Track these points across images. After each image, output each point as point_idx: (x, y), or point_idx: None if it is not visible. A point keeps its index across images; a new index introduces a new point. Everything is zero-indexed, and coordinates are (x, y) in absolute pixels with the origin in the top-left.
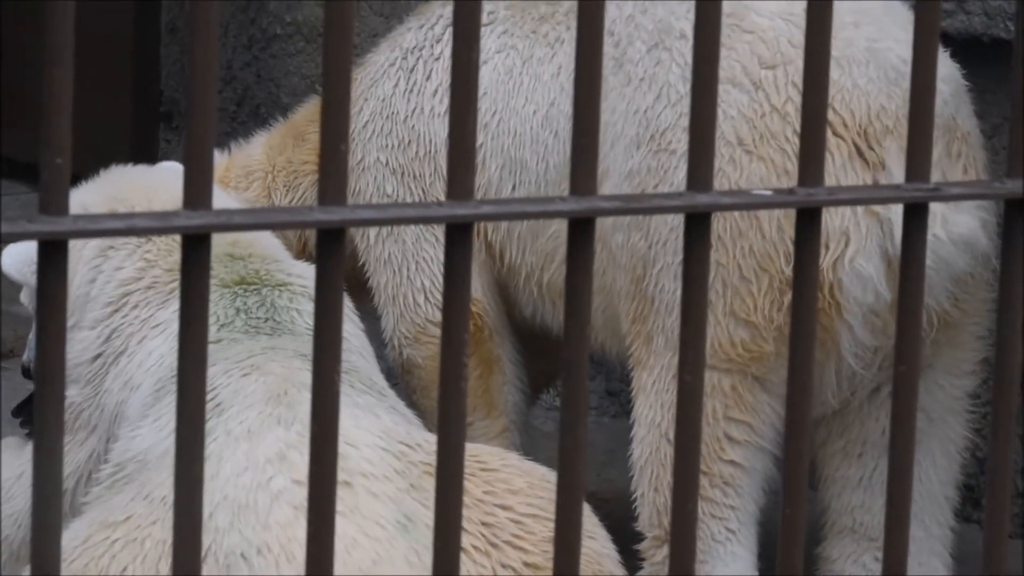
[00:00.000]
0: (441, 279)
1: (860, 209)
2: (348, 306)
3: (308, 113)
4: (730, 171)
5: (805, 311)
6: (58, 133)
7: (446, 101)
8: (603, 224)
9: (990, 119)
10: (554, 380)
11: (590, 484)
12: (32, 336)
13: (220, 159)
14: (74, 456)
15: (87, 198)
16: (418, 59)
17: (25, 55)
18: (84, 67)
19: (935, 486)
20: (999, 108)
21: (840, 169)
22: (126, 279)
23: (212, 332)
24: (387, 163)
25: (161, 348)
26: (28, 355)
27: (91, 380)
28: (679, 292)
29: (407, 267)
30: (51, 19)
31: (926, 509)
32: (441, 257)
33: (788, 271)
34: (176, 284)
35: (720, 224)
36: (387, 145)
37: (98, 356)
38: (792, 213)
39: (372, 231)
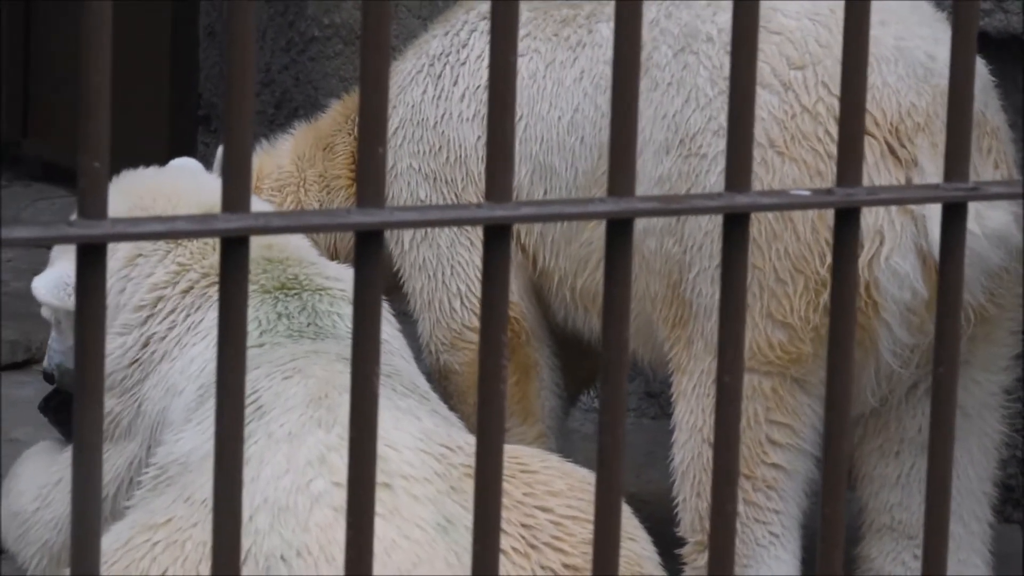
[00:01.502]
0: (476, 283)
1: (894, 207)
2: (386, 309)
3: (333, 121)
4: (762, 173)
5: (845, 311)
6: (96, 137)
7: (474, 106)
8: (635, 229)
9: None
10: (591, 383)
11: (630, 486)
12: (51, 342)
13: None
14: (113, 463)
15: None
16: (445, 65)
17: (57, 59)
18: (122, 71)
19: (973, 482)
20: None
21: (873, 168)
22: (159, 283)
23: (255, 337)
24: (419, 169)
25: (205, 354)
26: (48, 362)
27: (129, 387)
28: (717, 296)
29: (442, 272)
30: (88, 22)
31: (964, 505)
32: (476, 261)
33: (823, 272)
34: (214, 288)
35: (755, 227)
36: (418, 151)
37: (135, 362)
38: (826, 215)
39: (406, 236)
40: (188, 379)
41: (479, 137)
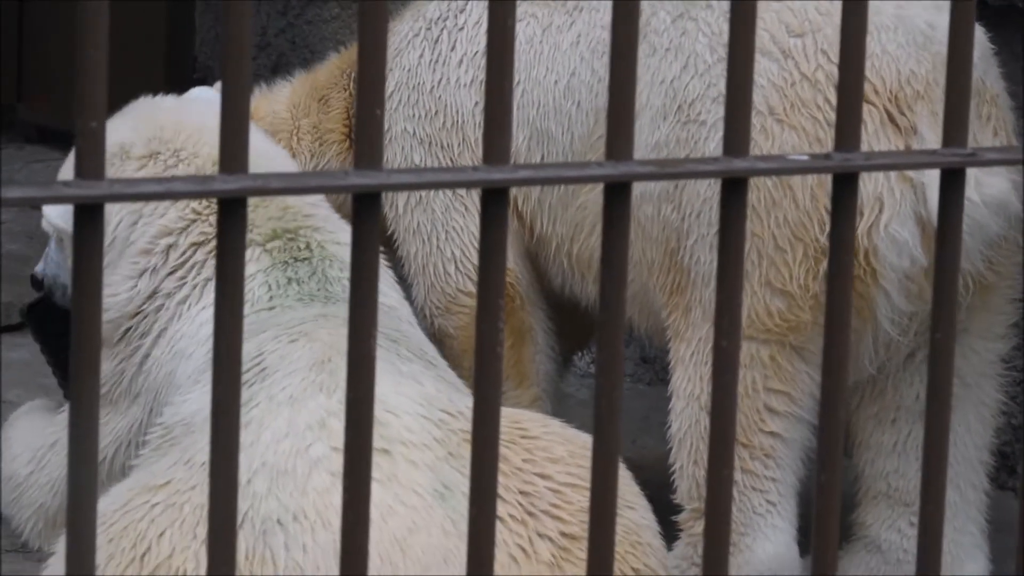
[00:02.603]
0: (471, 248)
1: (893, 174)
2: (392, 276)
3: (330, 74)
4: (761, 141)
5: (841, 276)
6: (94, 98)
7: (471, 71)
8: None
9: None
10: (586, 346)
11: (625, 451)
12: (49, 251)
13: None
14: (113, 426)
15: (124, 136)
16: (442, 30)
17: (53, 22)
18: (119, 33)
19: (970, 450)
20: None
21: (872, 136)
22: (169, 227)
23: (264, 300)
24: (414, 133)
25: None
26: (43, 265)
27: (132, 339)
28: (715, 263)
29: (436, 236)
30: None
31: (961, 473)
32: (470, 227)
33: (823, 240)
34: None
35: (754, 195)
36: (414, 115)
37: (139, 313)
38: (825, 182)
39: (401, 200)
40: (197, 343)
41: (476, 103)
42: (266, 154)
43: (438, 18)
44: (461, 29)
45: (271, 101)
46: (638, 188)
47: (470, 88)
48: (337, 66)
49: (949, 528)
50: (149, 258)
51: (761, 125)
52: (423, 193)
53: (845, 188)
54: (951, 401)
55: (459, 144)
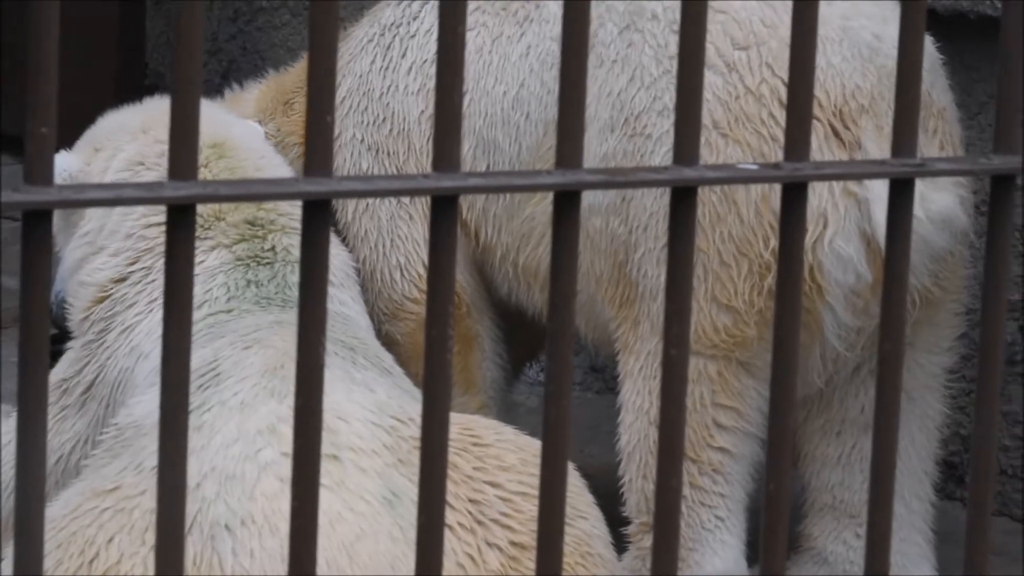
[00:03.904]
0: (415, 256)
1: (838, 190)
2: (357, 288)
3: (296, 78)
4: (706, 154)
5: (791, 287)
6: (44, 103)
7: (420, 79)
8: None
9: (977, 96)
10: (536, 355)
11: (573, 460)
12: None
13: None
14: (72, 422)
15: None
16: (395, 36)
17: (4, 28)
18: (70, 39)
19: (915, 462)
20: (985, 85)
21: (816, 151)
22: (151, 213)
23: (222, 302)
24: (363, 140)
25: None
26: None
27: (94, 322)
28: (663, 277)
29: (382, 244)
30: None
31: (906, 485)
32: (414, 235)
33: (767, 255)
34: (203, 255)
35: (699, 209)
36: (363, 122)
37: (107, 296)
38: (769, 197)
39: (350, 208)
40: (154, 342)
41: (423, 111)
42: (259, 152)
43: (391, 24)
44: (412, 36)
45: (241, 104)
46: (586, 200)
47: (417, 96)
48: (303, 69)
49: (895, 538)
50: (129, 243)
51: (706, 139)
52: (369, 200)
53: (794, 198)
54: (899, 409)
55: (405, 152)
